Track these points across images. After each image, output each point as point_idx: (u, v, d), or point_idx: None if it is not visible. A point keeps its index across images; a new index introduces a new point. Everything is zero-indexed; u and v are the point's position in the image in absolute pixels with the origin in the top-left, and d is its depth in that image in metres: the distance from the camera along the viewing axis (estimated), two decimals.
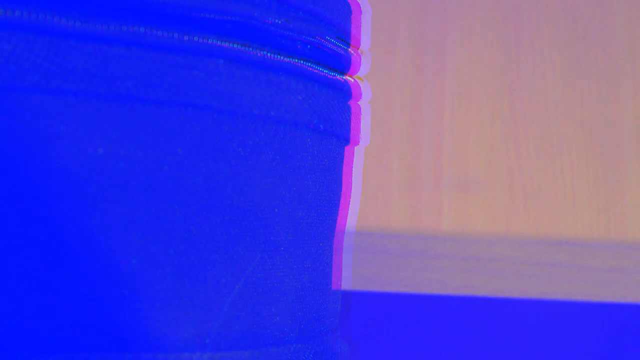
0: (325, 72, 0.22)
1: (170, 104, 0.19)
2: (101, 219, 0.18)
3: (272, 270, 0.21)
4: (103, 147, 0.18)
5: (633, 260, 0.45)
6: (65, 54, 0.18)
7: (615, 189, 0.47)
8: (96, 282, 0.18)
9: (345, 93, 0.24)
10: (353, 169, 0.25)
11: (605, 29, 0.48)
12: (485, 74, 0.48)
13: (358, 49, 0.25)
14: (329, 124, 0.23)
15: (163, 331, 0.19)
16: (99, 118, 0.18)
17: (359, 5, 0.25)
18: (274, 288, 0.21)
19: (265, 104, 0.20)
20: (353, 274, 0.44)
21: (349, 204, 0.26)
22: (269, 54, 0.20)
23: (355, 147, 0.25)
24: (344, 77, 0.24)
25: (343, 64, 0.24)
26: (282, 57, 0.21)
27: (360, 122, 0.25)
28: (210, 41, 0.19)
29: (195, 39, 0.19)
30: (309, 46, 0.22)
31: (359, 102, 0.25)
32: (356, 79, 0.25)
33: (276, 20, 0.20)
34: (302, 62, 0.21)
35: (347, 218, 0.26)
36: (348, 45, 0.24)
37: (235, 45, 0.20)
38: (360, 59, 0.25)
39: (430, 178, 0.46)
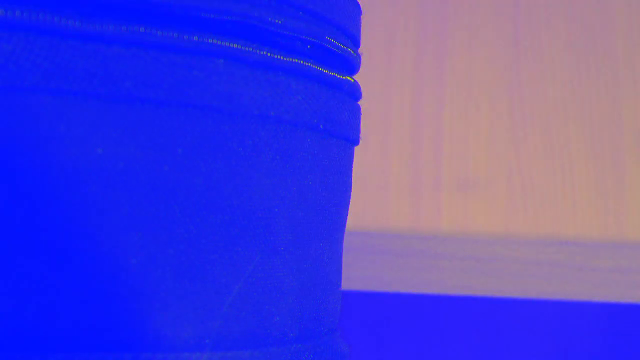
0: (325, 72, 0.22)
1: (170, 104, 0.19)
2: (101, 219, 0.18)
3: (272, 270, 0.21)
4: (103, 147, 0.18)
5: (633, 260, 0.45)
6: (65, 54, 0.18)
7: (615, 189, 0.47)
8: (96, 282, 0.18)
9: (345, 93, 0.24)
10: (353, 168, 0.25)
11: (606, 29, 0.48)
12: (486, 74, 0.48)
13: (357, 49, 0.25)
14: (329, 123, 0.23)
15: (163, 331, 0.19)
16: (99, 118, 0.18)
17: (358, 5, 0.25)
18: (274, 288, 0.21)
19: (265, 104, 0.20)
20: (353, 274, 0.44)
21: (349, 204, 0.26)
22: (269, 54, 0.20)
23: (355, 147, 0.25)
24: (344, 77, 0.24)
25: (343, 64, 0.24)
26: (282, 57, 0.21)
27: (359, 122, 0.25)
28: (210, 41, 0.19)
29: (195, 39, 0.19)
30: (309, 46, 0.22)
31: (357, 102, 0.25)
32: (354, 79, 0.25)
33: (276, 20, 0.20)
34: (302, 62, 0.21)
35: (347, 218, 0.26)
36: (347, 45, 0.24)
37: (235, 45, 0.20)
38: (360, 59, 0.25)
39: (430, 178, 0.46)
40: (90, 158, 0.18)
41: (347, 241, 0.44)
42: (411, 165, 0.46)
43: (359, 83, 0.46)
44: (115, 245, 0.18)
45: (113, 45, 0.18)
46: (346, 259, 0.44)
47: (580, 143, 0.47)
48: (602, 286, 0.45)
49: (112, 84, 0.18)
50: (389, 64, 0.47)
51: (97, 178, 0.18)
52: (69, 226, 0.18)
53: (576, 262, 0.45)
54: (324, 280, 0.23)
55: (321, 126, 0.22)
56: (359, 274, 0.44)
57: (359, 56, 0.25)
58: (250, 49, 0.20)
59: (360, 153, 0.46)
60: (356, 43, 0.25)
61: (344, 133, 0.24)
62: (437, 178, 0.46)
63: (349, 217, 0.45)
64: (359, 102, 0.26)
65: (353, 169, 0.46)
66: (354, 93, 0.24)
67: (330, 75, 0.23)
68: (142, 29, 0.18)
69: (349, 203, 0.25)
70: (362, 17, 0.48)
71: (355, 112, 0.25)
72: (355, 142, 0.25)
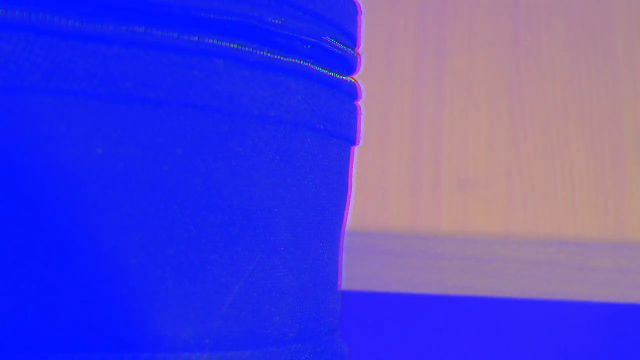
0: (325, 72, 0.22)
1: (170, 104, 0.19)
2: (101, 219, 0.18)
3: (272, 270, 0.21)
4: (103, 147, 0.18)
5: (633, 260, 0.45)
6: (65, 54, 0.18)
7: (615, 189, 0.47)
8: (96, 282, 0.18)
9: (345, 93, 0.24)
10: (353, 169, 0.25)
11: (606, 29, 0.48)
12: (485, 74, 0.48)
13: (357, 49, 0.25)
14: (329, 124, 0.23)
15: (162, 331, 0.19)
16: (99, 118, 0.18)
17: (358, 5, 0.25)
18: (273, 288, 0.21)
19: (265, 104, 0.20)
20: (353, 274, 0.44)
21: (349, 204, 0.26)
22: (269, 54, 0.20)
23: (355, 147, 0.25)
24: (344, 77, 0.24)
25: (343, 64, 0.24)
26: (282, 57, 0.21)
27: (360, 122, 0.25)
28: (210, 41, 0.19)
29: (195, 39, 0.19)
30: (309, 46, 0.22)
31: (357, 102, 0.25)
32: (355, 79, 0.25)
33: (276, 20, 0.20)
34: (302, 62, 0.21)
35: (347, 218, 0.26)
36: (348, 45, 0.24)
37: (235, 45, 0.20)
38: (360, 59, 0.25)
39: (430, 178, 0.46)
40: (90, 158, 0.18)
41: (347, 241, 0.44)
42: (411, 165, 0.46)
43: (359, 83, 0.46)
44: (115, 245, 0.18)
45: (113, 45, 0.18)
46: (346, 259, 0.44)
47: (580, 143, 0.47)
48: (602, 286, 0.45)
49: (112, 84, 0.18)
50: (389, 64, 0.47)
51: (97, 178, 0.18)
52: (69, 226, 0.18)
53: (576, 262, 0.45)
54: (324, 280, 0.23)
55: (321, 126, 0.22)
56: (359, 274, 0.44)
57: (359, 56, 0.25)
58: (250, 49, 0.20)
59: (360, 153, 0.46)
60: (356, 43, 0.25)
61: (344, 133, 0.24)
62: (437, 178, 0.46)
63: (349, 217, 0.45)
64: (359, 102, 0.26)
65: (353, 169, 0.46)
66: (354, 93, 0.24)
67: (330, 75, 0.23)
68: (142, 29, 0.18)
69: (349, 203, 0.25)
70: (362, 17, 0.48)
71: (355, 112, 0.25)
72: (355, 142, 0.25)
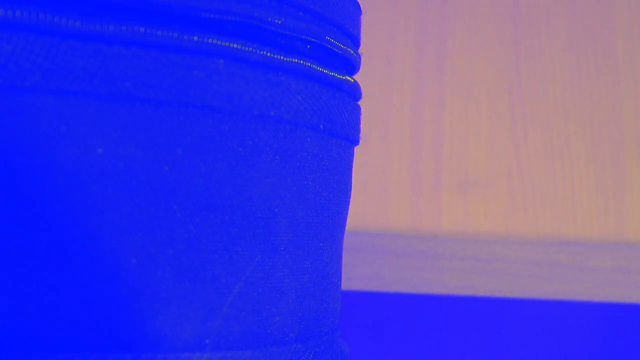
0: (325, 72, 0.22)
1: (170, 104, 0.19)
2: (101, 219, 0.18)
3: (272, 270, 0.21)
4: (103, 147, 0.18)
5: (633, 260, 0.45)
6: (65, 54, 0.18)
7: (615, 189, 0.47)
8: (96, 282, 0.18)
9: (345, 93, 0.24)
10: (352, 168, 0.25)
11: (606, 29, 0.48)
12: (486, 74, 0.48)
13: (357, 49, 0.25)
14: (329, 123, 0.23)
15: (163, 331, 0.19)
16: (99, 118, 0.18)
17: (358, 5, 0.25)
18: (274, 288, 0.21)
19: (265, 104, 0.20)
20: (353, 274, 0.44)
21: (349, 203, 0.26)
22: (269, 54, 0.20)
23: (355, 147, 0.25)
24: (344, 77, 0.24)
25: (343, 64, 0.24)
26: (282, 57, 0.21)
27: (360, 122, 0.25)
28: (210, 41, 0.19)
29: (195, 39, 0.19)
30: (309, 46, 0.22)
31: (357, 102, 0.25)
32: (355, 79, 0.25)
33: (276, 20, 0.20)
34: (302, 62, 0.21)
35: (347, 218, 0.26)
36: (348, 45, 0.24)
37: (235, 45, 0.20)
38: (360, 59, 0.25)
39: (430, 178, 0.46)
40: (90, 158, 0.18)
41: (347, 241, 0.44)
42: (411, 165, 0.46)
43: (359, 83, 0.46)
44: (116, 245, 0.18)
45: (113, 45, 0.18)
46: (346, 259, 0.44)
47: (580, 143, 0.47)
48: (602, 286, 0.45)
49: (112, 84, 0.18)
50: (389, 64, 0.47)
51: (97, 178, 0.18)
52: (70, 226, 0.18)
53: (576, 262, 0.45)
54: (324, 280, 0.23)
55: (321, 126, 0.22)
56: (359, 274, 0.44)
57: (359, 56, 0.25)
58: (250, 49, 0.20)
59: (360, 153, 0.46)
60: (356, 43, 0.25)
61: (344, 133, 0.24)
62: (438, 178, 0.46)
63: (349, 217, 0.45)
64: (359, 102, 0.26)
65: (353, 169, 0.46)
66: (354, 93, 0.24)
67: (330, 75, 0.23)
68: (142, 29, 0.18)
69: (349, 203, 0.25)
70: (362, 17, 0.48)
71: (355, 112, 0.25)
72: (355, 142, 0.25)
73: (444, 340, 0.60)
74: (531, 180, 0.46)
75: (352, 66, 0.24)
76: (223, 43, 0.20)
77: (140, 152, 0.18)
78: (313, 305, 0.22)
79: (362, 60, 0.47)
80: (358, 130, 0.25)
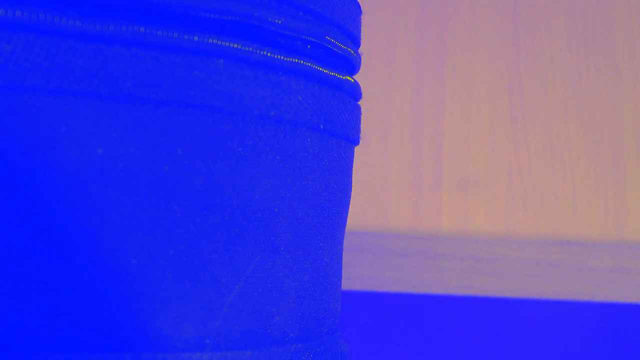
0: (326, 72, 0.22)
1: (170, 104, 0.19)
2: (101, 219, 0.18)
3: (272, 270, 0.21)
4: (103, 147, 0.18)
5: (633, 260, 0.45)
6: (65, 54, 0.18)
7: (615, 189, 0.47)
8: (96, 282, 0.18)
9: (345, 93, 0.24)
10: (353, 168, 0.25)
11: (606, 29, 0.48)
12: (486, 74, 0.48)
13: (357, 49, 0.25)
14: (329, 123, 0.23)
15: (163, 331, 0.19)
16: (99, 118, 0.18)
17: (358, 5, 0.25)
18: (274, 288, 0.21)
19: (265, 104, 0.20)
20: (353, 274, 0.44)
21: (349, 203, 0.26)
22: (269, 54, 0.20)
23: (355, 147, 0.25)
24: (344, 77, 0.24)
25: (343, 64, 0.24)
26: (282, 57, 0.21)
27: (360, 122, 0.25)
28: (210, 41, 0.19)
29: (195, 39, 0.19)
30: (309, 46, 0.22)
31: (357, 102, 0.25)
32: (355, 79, 0.25)
33: (276, 20, 0.20)
34: (302, 62, 0.21)
35: (347, 218, 0.26)
36: (348, 45, 0.24)
37: (235, 45, 0.20)
38: (360, 59, 0.25)
39: (430, 178, 0.46)
40: (90, 158, 0.18)
41: (347, 241, 0.44)
42: (411, 165, 0.46)
43: (359, 83, 0.46)
44: (116, 245, 0.18)
45: (113, 45, 0.18)
46: (346, 259, 0.44)
47: (581, 143, 0.47)
48: (602, 286, 0.45)
49: (112, 84, 0.18)
50: (389, 64, 0.47)
51: (98, 178, 0.18)
52: (70, 226, 0.18)
53: (576, 262, 0.45)
54: (324, 280, 0.23)
55: (321, 126, 0.22)
56: (359, 274, 0.44)
57: (359, 56, 0.25)
58: (250, 49, 0.20)
59: (360, 153, 0.46)
60: (356, 43, 0.25)
61: (344, 133, 0.24)
62: (438, 178, 0.46)
63: (349, 217, 0.45)
64: (359, 102, 0.26)
65: (353, 169, 0.46)
66: (354, 93, 0.24)
67: (331, 75, 0.23)
68: (142, 29, 0.18)
69: (349, 203, 0.25)
70: (362, 17, 0.48)
71: (355, 112, 0.25)
72: (355, 142, 0.25)
73: (444, 340, 0.60)
74: (531, 180, 0.46)
75: (352, 66, 0.24)
76: (223, 43, 0.20)
77: (140, 152, 0.18)
78: (313, 305, 0.22)
79: (362, 60, 0.47)
80: (358, 130, 0.25)
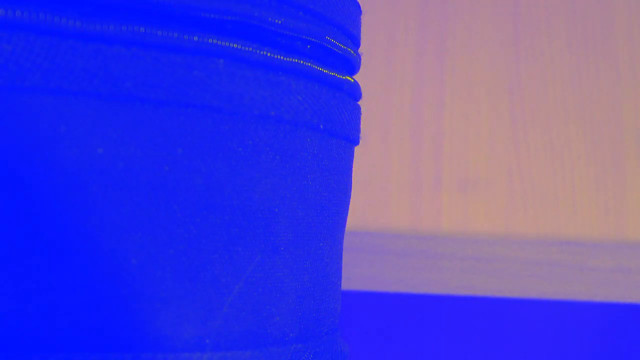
0: (326, 72, 0.22)
1: (170, 104, 0.19)
2: (101, 219, 0.18)
3: (272, 270, 0.21)
4: (103, 147, 0.18)
5: (633, 260, 0.45)
6: (65, 54, 0.18)
7: (615, 189, 0.47)
8: (96, 282, 0.18)
9: (345, 93, 0.24)
10: (353, 168, 0.25)
11: (606, 29, 0.48)
12: (486, 74, 0.48)
13: (357, 49, 0.25)
14: (329, 123, 0.23)
15: (163, 331, 0.19)
16: (99, 118, 0.18)
17: (358, 5, 0.25)
18: (274, 288, 0.21)
19: (265, 104, 0.20)
20: (353, 274, 0.44)
21: (349, 203, 0.26)
22: (269, 54, 0.20)
23: (355, 147, 0.25)
24: (344, 77, 0.24)
25: (343, 64, 0.24)
26: (282, 57, 0.21)
27: (359, 122, 0.25)
28: (210, 41, 0.19)
29: (195, 39, 0.19)
30: (309, 46, 0.22)
31: (357, 102, 0.25)
32: (355, 79, 0.25)
33: (276, 20, 0.20)
34: (302, 62, 0.21)
35: (347, 218, 0.26)
36: (348, 45, 0.24)
37: (235, 45, 0.20)
38: (360, 59, 0.25)
39: (430, 178, 0.46)
40: (90, 158, 0.18)
41: (347, 241, 0.44)
42: (411, 165, 0.46)
43: (359, 83, 0.46)
44: (116, 245, 0.18)
45: (113, 45, 0.18)
46: (346, 259, 0.44)
47: (581, 143, 0.47)
48: (602, 286, 0.45)
49: (112, 84, 0.18)
50: (389, 64, 0.47)
51: (98, 178, 0.18)
52: (70, 226, 0.18)
53: (576, 262, 0.45)
54: (324, 280, 0.23)
55: (321, 126, 0.22)
56: (359, 274, 0.44)
57: (359, 56, 0.25)
58: (250, 49, 0.20)
59: (360, 153, 0.46)
60: (356, 43, 0.25)
61: (344, 133, 0.24)
62: (438, 178, 0.46)
63: (349, 217, 0.45)
64: (359, 102, 0.26)
65: (353, 169, 0.46)
66: (354, 93, 0.24)
67: (330, 75, 0.23)
68: (142, 29, 0.18)
69: (349, 203, 0.25)
70: (362, 17, 0.48)
71: (355, 112, 0.25)
72: (355, 142, 0.25)
73: (444, 340, 0.60)
74: (531, 180, 0.46)
75: (352, 66, 0.24)
76: (223, 43, 0.20)
77: (140, 152, 0.18)
78: (313, 305, 0.22)
79: (362, 60, 0.47)
80: (358, 130, 0.25)
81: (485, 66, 0.47)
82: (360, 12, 0.25)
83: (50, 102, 0.17)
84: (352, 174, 0.33)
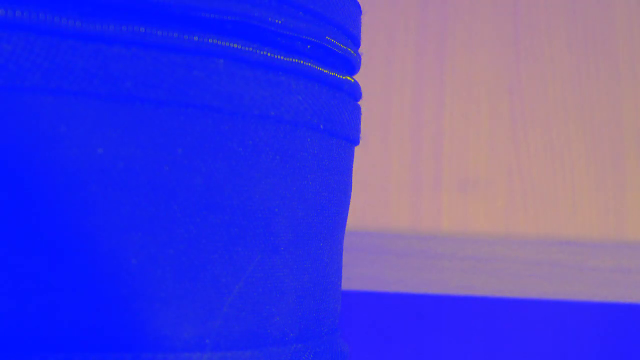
0: (325, 72, 0.22)
1: (170, 104, 0.19)
2: (101, 219, 0.18)
3: (272, 270, 0.21)
4: (103, 147, 0.18)
5: (633, 260, 0.45)
6: (65, 54, 0.18)
7: (615, 189, 0.47)
8: (96, 282, 0.18)
9: (345, 93, 0.24)
10: (352, 168, 0.25)
11: (606, 29, 0.48)
12: (486, 74, 0.48)
13: (357, 49, 0.25)
14: (329, 123, 0.23)
15: (163, 331, 0.19)
16: (99, 118, 0.18)
17: (358, 5, 0.25)
18: (274, 288, 0.21)
19: (265, 104, 0.20)
20: (353, 274, 0.44)
21: (349, 203, 0.26)
22: (269, 54, 0.20)
23: (355, 147, 0.25)
24: (344, 77, 0.24)
25: (343, 64, 0.24)
26: (282, 57, 0.21)
27: (360, 122, 0.25)
28: (210, 41, 0.19)
29: (195, 39, 0.19)
30: (309, 46, 0.22)
31: (357, 102, 0.25)
32: (355, 79, 0.25)
33: (276, 20, 0.20)
34: (302, 62, 0.21)
35: (347, 218, 0.26)
36: (348, 45, 0.24)
37: (235, 45, 0.20)
38: (360, 59, 0.25)
39: (430, 178, 0.46)
40: (90, 158, 0.18)
41: (347, 241, 0.44)
42: (411, 165, 0.46)
43: (359, 83, 0.46)
44: (115, 245, 0.18)
45: (113, 45, 0.18)
46: (346, 259, 0.44)
47: (581, 143, 0.47)
48: (602, 286, 0.45)
49: (112, 84, 0.18)
50: (389, 64, 0.47)
51: (98, 178, 0.18)
52: (70, 226, 0.18)
53: (576, 262, 0.45)
54: (324, 280, 0.23)
55: (321, 126, 0.22)
56: (359, 274, 0.44)
57: (359, 56, 0.25)
58: (250, 49, 0.20)
59: (360, 153, 0.46)
60: (356, 43, 0.25)
61: (344, 133, 0.24)
62: (438, 178, 0.46)
63: (349, 217, 0.45)
64: (359, 102, 0.26)
65: (353, 169, 0.46)
66: (354, 93, 0.24)
67: (331, 75, 0.23)
68: (142, 29, 0.18)
69: (349, 203, 0.25)
70: (362, 17, 0.48)
71: (356, 112, 0.25)
72: (356, 142, 0.25)
73: (444, 340, 0.60)
74: (531, 180, 0.46)
75: (352, 66, 0.24)
76: (223, 43, 0.20)
77: (140, 152, 0.18)
78: (313, 305, 0.22)
79: (362, 60, 0.47)
80: (358, 130, 0.25)
81: (485, 66, 0.47)
82: (361, 12, 0.25)
83: (50, 102, 0.17)
84: (352, 174, 0.33)
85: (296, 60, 0.21)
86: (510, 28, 0.48)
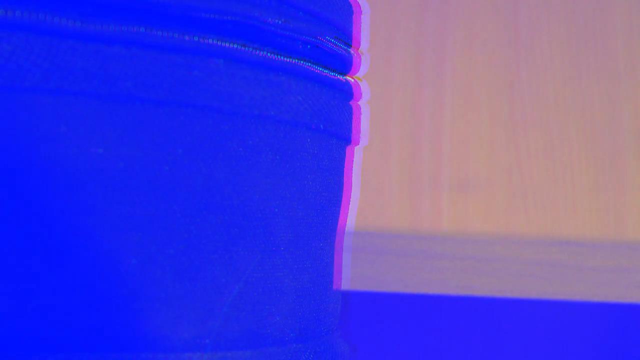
0: (326, 72, 0.22)
1: (170, 104, 0.19)
2: (101, 219, 0.18)
3: (272, 270, 0.21)
4: (103, 147, 0.18)
5: (633, 260, 0.45)
6: (65, 54, 0.18)
7: (615, 188, 0.47)
8: (96, 282, 0.18)
9: (345, 93, 0.24)
10: (353, 169, 0.25)
11: (606, 29, 0.48)
12: (485, 74, 0.48)
13: (358, 49, 0.25)
14: (329, 124, 0.23)
15: (163, 331, 0.19)
16: (99, 118, 0.18)
17: (358, 5, 0.25)
18: (273, 288, 0.21)
19: (265, 104, 0.20)
20: (353, 274, 0.44)
21: (349, 203, 0.26)
22: (269, 54, 0.20)
23: (355, 147, 0.25)
24: (344, 77, 0.24)
25: (343, 64, 0.24)
26: (282, 57, 0.21)
27: (360, 122, 0.25)
28: (210, 41, 0.19)
29: (195, 39, 0.19)
30: (308, 46, 0.22)
31: (358, 103, 0.25)
32: (356, 79, 0.25)
33: (276, 20, 0.20)
34: (302, 62, 0.21)
35: (347, 218, 0.26)
36: (348, 45, 0.24)
37: (235, 45, 0.20)
38: (360, 59, 0.25)
39: (430, 178, 0.46)
40: (90, 158, 0.18)
41: (347, 241, 0.44)
42: (411, 165, 0.46)
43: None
44: (115, 245, 0.18)
45: (113, 45, 0.18)
46: (346, 259, 0.44)
47: (580, 143, 0.47)
48: (602, 286, 0.45)
49: (112, 84, 0.18)
50: (389, 64, 0.47)
51: (97, 178, 0.18)
52: (69, 226, 0.18)
53: (576, 262, 0.45)
54: (323, 280, 0.23)
55: (321, 126, 0.22)
56: (359, 274, 0.44)
57: (360, 56, 0.25)
58: (250, 49, 0.20)
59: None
60: (357, 43, 0.25)
61: (344, 133, 0.24)
62: (437, 178, 0.46)
63: (350, 217, 0.45)
64: (362, 102, 0.26)
65: None
66: (355, 93, 0.24)
67: (331, 75, 0.23)
68: (142, 29, 0.18)
69: (349, 203, 0.25)
70: (362, 17, 0.48)
71: (356, 112, 0.25)
72: (356, 142, 0.25)
73: (444, 340, 0.60)
74: (531, 180, 0.46)
75: (352, 66, 0.24)
76: (223, 43, 0.20)
77: (140, 152, 0.18)
78: (313, 305, 0.22)
79: (366, 60, 0.47)
80: (359, 131, 0.25)
81: (484, 66, 0.47)
82: (361, 12, 0.25)
83: (50, 102, 0.17)
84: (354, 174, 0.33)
85: (296, 61, 0.21)
86: (510, 28, 0.48)
